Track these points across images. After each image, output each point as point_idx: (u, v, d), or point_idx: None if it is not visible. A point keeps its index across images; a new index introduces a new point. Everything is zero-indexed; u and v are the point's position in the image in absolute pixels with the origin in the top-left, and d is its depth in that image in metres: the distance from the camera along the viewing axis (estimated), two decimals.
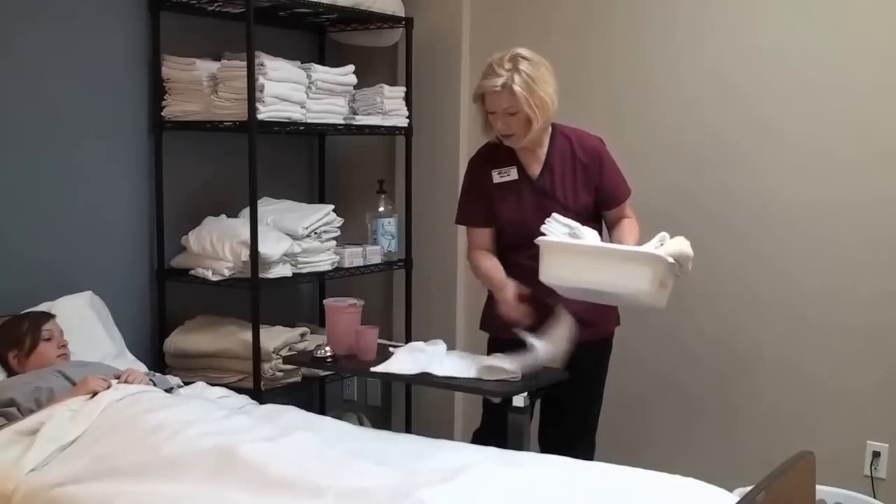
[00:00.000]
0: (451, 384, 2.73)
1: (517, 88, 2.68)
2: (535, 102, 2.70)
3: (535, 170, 2.87)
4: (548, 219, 2.65)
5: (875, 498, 3.02)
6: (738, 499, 2.02)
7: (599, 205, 2.88)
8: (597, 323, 2.90)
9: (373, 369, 2.80)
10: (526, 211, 2.82)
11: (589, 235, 2.66)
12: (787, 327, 3.28)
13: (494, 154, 2.91)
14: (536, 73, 2.71)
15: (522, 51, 2.75)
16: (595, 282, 2.57)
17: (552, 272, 2.62)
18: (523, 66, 2.70)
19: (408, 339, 3.74)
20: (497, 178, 2.88)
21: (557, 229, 2.63)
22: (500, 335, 2.94)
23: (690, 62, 3.40)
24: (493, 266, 2.88)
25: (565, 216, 2.69)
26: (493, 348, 2.97)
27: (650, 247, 2.59)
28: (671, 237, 2.62)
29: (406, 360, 2.81)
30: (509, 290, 2.78)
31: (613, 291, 2.58)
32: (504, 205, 2.87)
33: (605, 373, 3.03)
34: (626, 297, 2.61)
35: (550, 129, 2.88)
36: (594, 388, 2.99)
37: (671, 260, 2.53)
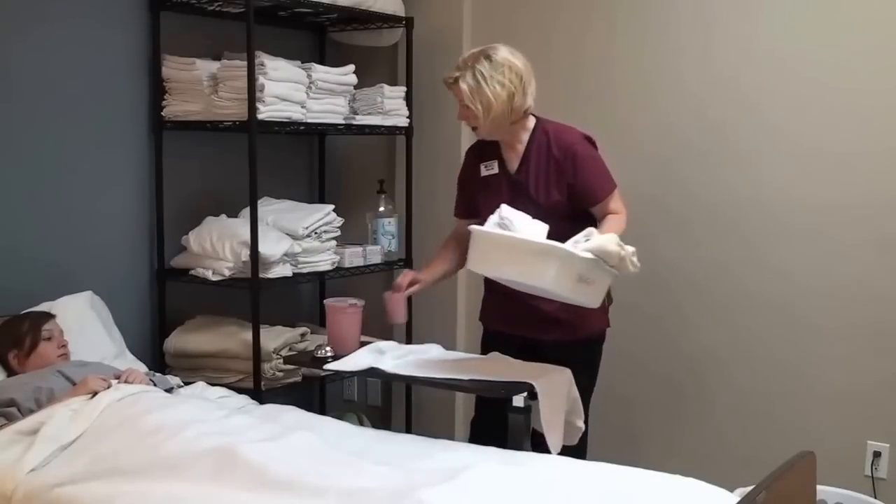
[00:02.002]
0: (450, 384, 2.73)
1: (462, 85, 2.74)
2: (480, 100, 2.73)
3: (514, 164, 2.89)
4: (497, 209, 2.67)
5: (875, 498, 3.02)
6: (738, 499, 2.02)
7: (577, 202, 2.83)
8: (569, 323, 2.86)
9: (325, 366, 2.87)
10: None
11: (522, 226, 2.60)
12: (788, 327, 3.28)
13: (484, 148, 2.96)
14: (493, 71, 2.73)
15: (494, 48, 2.78)
16: (508, 272, 2.58)
17: (474, 262, 2.65)
18: (482, 63, 2.74)
19: (408, 340, 3.74)
20: (483, 171, 2.93)
21: (491, 219, 2.63)
22: (491, 327, 3.03)
23: (692, 61, 3.40)
24: (439, 254, 3.06)
25: (536, 212, 2.68)
26: (485, 340, 3.05)
27: (569, 242, 2.55)
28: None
29: (362, 357, 2.86)
30: (417, 276, 2.97)
31: (528, 283, 2.57)
32: (485, 198, 2.89)
33: (590, 375, 2.95)
34: (545, 290, 2.57)
35: (534, 123, 2.89)
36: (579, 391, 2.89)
37: (583, 255, 2.48)
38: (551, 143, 2.85)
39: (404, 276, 2.96)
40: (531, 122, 2.88)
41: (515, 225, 2.58)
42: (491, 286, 3.01)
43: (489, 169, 2.92)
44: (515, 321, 2.92)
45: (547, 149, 2.85)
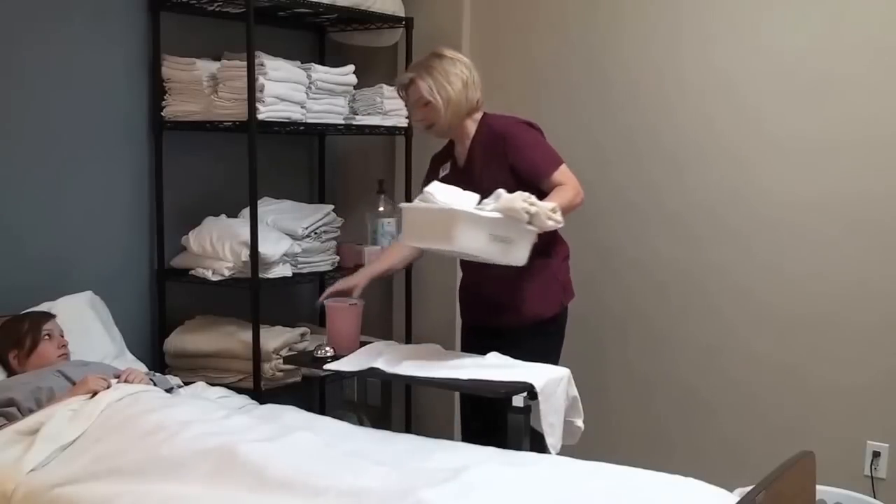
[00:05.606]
0: (450, 384, 2.73)
1: (421, 83, 2.93)
2: (440, 92, 2.91)
3: (462, 159, 3.04)
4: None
5: (875, 498, 3.02)
6: (738, 499, 2.02)
7: (524, 181, 2.89)
8: (513, 307, 2.95)
9: (325, 366, 2.89)
10: None
11: (446, 198, 2.65)
12: (787, 327, 3.28)
13: (443, 153, 3.15)
14: (447, 66, 2.93)
15: (439, 48, 3.00)
16: (429, 241, 2.71)
17: (404, 235, 2.80)
18: (434, 60, 2.95)
19: (408, 340, 3.75)
20: (441, 173, 3.07)
21: (417, 197, 2.74)
22: (463, 319, 3.18)
23: (688, 60, 3.41)
24: (389, 249, 3.26)
25: (485, 197, 2.75)
26: (462, 333, 3.20)
27: (480, 205, 2.65)
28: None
29: (362, 357, 2.88)
30: (358, 276, 3.09)
31: (447, 249, 2.66)
32: None
33: (547, 359, 2.87)
34: (465, 253, 2.72)
35: (480, 117, 3.01)
36: None
37: (488, 215, 2.59)
38: (487, 132, 2.98)
39: (344, 283, 3.08)
40: (479, 116, 3.02)
41: (437, 197, 2.67)
42: (462, 281, 3.16)
43: (445, 170, 3.08)
44: (475, 311, 3.10)
45: (487, 138, 2.98)
